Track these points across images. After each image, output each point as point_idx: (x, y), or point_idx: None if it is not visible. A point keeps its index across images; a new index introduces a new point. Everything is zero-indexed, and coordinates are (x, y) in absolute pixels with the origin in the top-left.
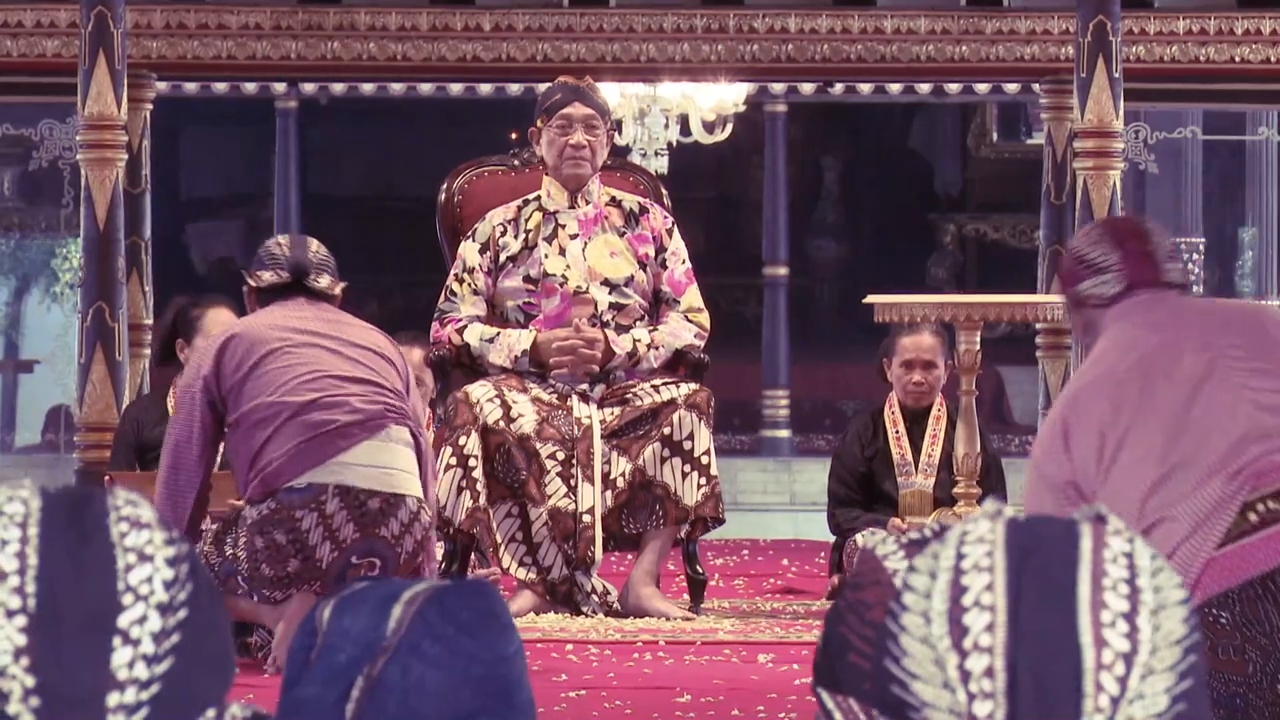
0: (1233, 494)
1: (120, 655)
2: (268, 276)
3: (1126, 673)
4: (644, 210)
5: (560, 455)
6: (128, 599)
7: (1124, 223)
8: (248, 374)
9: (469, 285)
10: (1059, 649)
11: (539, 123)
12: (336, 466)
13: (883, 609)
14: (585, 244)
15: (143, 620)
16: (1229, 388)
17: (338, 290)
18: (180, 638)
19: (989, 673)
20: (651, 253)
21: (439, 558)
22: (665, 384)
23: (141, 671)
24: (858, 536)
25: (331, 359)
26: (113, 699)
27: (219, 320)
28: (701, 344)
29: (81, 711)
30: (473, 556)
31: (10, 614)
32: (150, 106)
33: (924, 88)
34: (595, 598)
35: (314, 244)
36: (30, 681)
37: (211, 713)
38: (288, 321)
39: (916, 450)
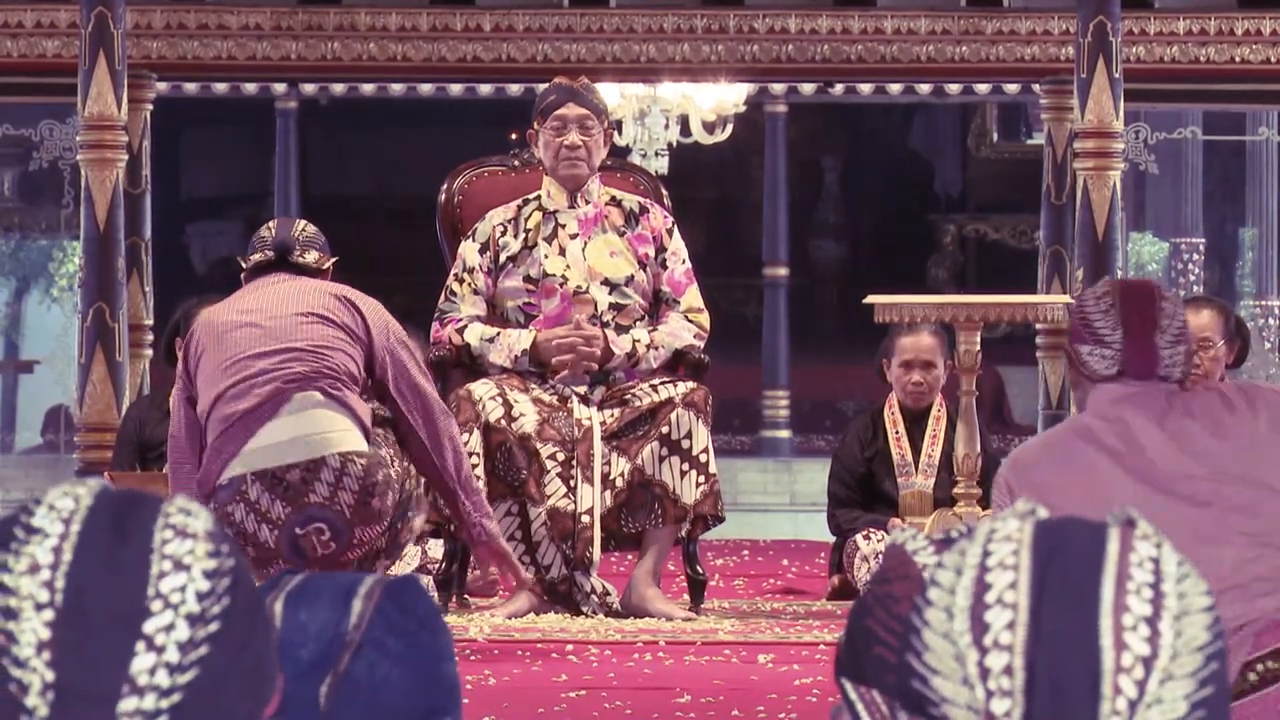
0: (1233, 651)
1: (142, 660)
2: (256, 258)
3: (1145, 677)
4: (644, 210)
5: (560, 456)
6: (156, 605)
7: (1137, 302)
8: (197, 366)
9: (469, 285)
10: (1078, 650)
11: (535, 124)
12: (249, 455)
13: (909, 603)
14: (585, 244)
15: (170, 628)
16: (1222, 527)
17: (327, 265)
18: (209, 650)
19: (1008, 670)
20: (651, 253)
21: (439, 557)
22: (663, 383)
23: (163, 679)
24: (858, 537)
25: (253, 336)
26: (130, 703)
27: None
28: (701, 344)
29: (97, 711)
30: (472, 555)
31: (39, 607)
32: (150, 107)
33: (924, 88)
34: (595, 598)
35: (301, 223)
36: (50, 676)
37: None
38: (241, 301)
39: (916, 451)
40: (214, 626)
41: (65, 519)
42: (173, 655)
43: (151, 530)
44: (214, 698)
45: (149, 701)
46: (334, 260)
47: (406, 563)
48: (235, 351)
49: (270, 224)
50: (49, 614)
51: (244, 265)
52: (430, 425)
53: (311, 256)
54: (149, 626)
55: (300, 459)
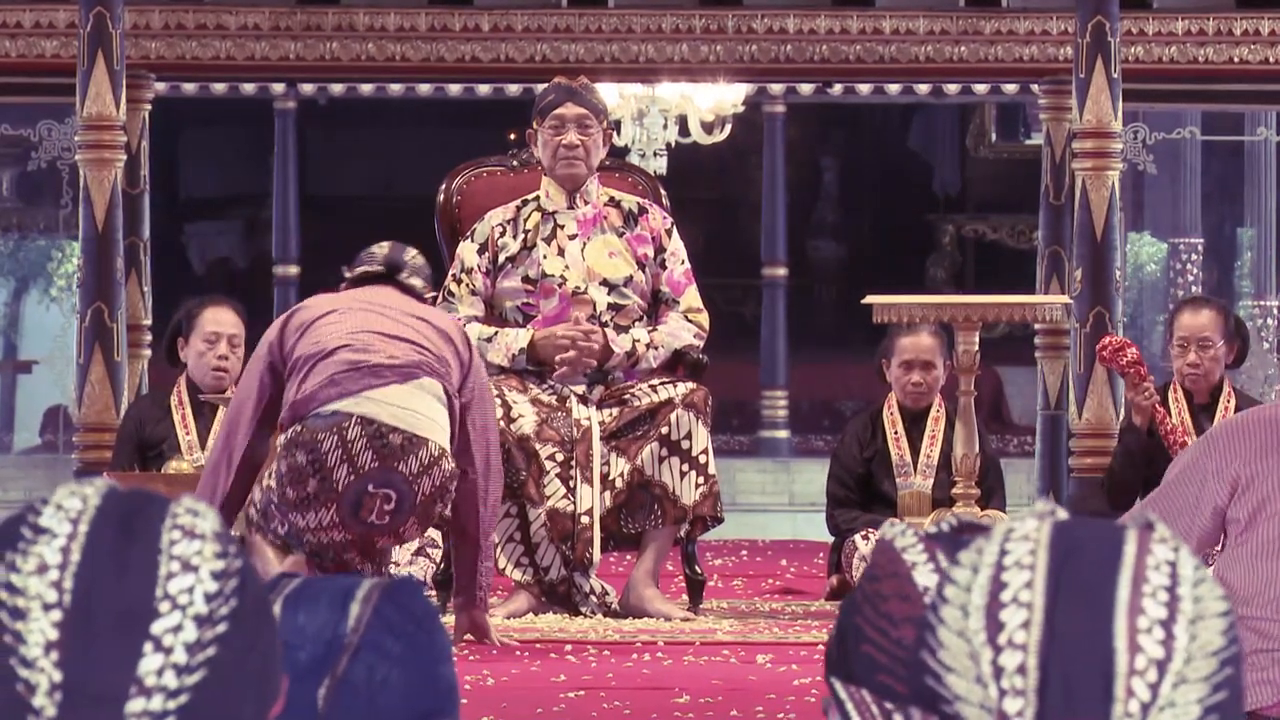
0: None
1: (150, 661)
2: (363, 269)
3: (1159, 680)
4: (643, 210)
5: (559, 456)
6: (164, 606)
7: None
8: (302, 335)
9: (467, 285)
10: (1092, 651)
11: (534, 124)
12: (364, 399)
13: (898, 601)
14: (584, 244)
15: (177, 629)
16: None
17: (429, 296)
18: (216, 651)
19: (1021, 670)
20: (650, 253)
21: (438, 541)
22: (663, 384)
23: (170, 680)
24: (856, 537)
25: (380, 320)
26: (137, 704)
27: (217, 319)
28: (700, 344)
29: (105, 711)
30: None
31: (47, 607)
32: (149, 107)
33: (923, 88)
34: (594, 598)
35: (413, 251)
36: (57, 676)
37: None
38: (355, 295)
39: (915, 451)
40: (221, 628)
41: (73, 519)
42: (180, 656)
43: (159, 531)
44: (221, 699)
45: (156, 702)
46: (434, 296)
47: (406, 549)
48: (360, 325)
49: (382, 244)
50: (57, 614)
51: (347, 275)
52: (487, 468)
53: (417, 282)
54: (157, 627)
55: (407, 428)
